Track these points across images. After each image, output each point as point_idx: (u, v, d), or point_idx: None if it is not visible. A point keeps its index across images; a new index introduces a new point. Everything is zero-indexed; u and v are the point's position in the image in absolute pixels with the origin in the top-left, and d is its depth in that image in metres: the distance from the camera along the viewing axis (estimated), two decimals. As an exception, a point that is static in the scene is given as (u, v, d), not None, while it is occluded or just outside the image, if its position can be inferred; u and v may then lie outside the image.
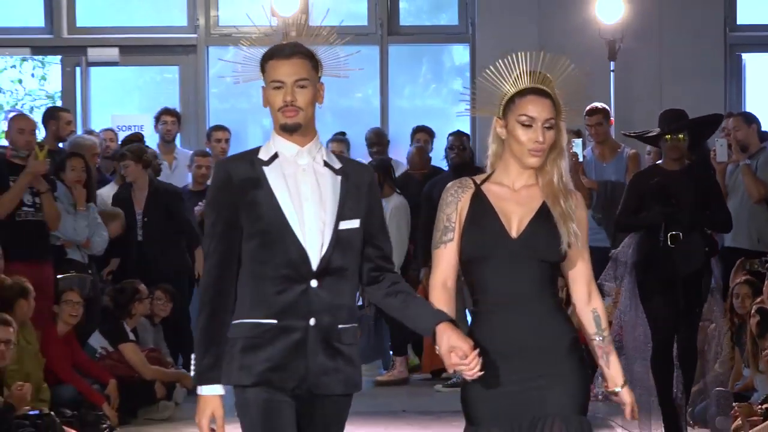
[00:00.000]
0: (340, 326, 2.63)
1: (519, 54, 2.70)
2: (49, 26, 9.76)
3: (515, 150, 2.69)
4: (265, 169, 2.66)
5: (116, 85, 10.69)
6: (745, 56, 9.98)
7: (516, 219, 2.69)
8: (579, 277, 2.76)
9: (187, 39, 9.85)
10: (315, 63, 2.69)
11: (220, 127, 8.80)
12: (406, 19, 9.91)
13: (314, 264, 2.60)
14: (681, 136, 5.91)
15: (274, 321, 2.60)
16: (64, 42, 9.82)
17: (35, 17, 9.83)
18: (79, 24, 9.80)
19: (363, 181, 2.73)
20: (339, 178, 2.68)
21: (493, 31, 9.10)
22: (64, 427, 6.15)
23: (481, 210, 2.69)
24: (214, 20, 9.70)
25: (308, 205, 2.62)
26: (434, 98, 10.26)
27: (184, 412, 7.38)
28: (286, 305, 2.59)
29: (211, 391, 2.67)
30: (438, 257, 2.71)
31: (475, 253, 2.67)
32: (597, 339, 2.71)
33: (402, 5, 9.86)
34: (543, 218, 2.68)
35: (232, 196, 2.67)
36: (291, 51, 2.65)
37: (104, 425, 6.62)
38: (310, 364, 2.58)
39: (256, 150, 2.74)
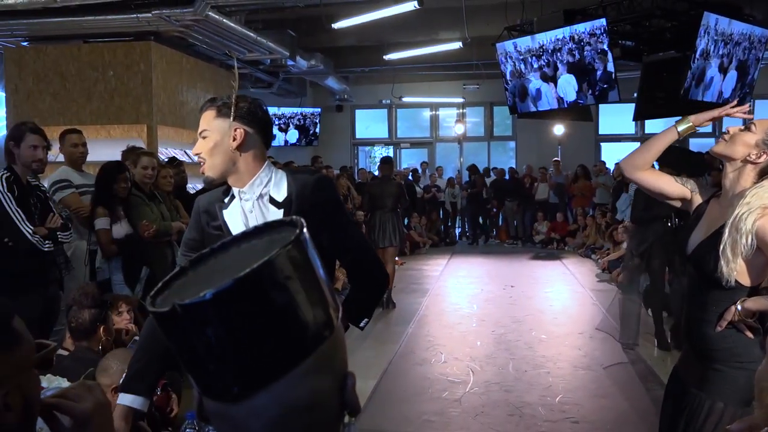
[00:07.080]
0: None
1: None
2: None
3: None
4: (225, 211, 2.31)
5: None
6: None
7: (697, 236, 2.29)
8: None
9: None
10: (222, 110, 2.23)
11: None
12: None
13: None
14: None
15: None
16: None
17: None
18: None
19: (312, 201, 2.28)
20: (281, 211, 2.26)
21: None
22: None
23: (696, 217, 2.36)
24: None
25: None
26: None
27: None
28: None
29: None
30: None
31: (680, 252, 2.37)
32: None
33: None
34: (714, 240, 2.22)
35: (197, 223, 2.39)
36: (204, 105, 2.28)
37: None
38: None
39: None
